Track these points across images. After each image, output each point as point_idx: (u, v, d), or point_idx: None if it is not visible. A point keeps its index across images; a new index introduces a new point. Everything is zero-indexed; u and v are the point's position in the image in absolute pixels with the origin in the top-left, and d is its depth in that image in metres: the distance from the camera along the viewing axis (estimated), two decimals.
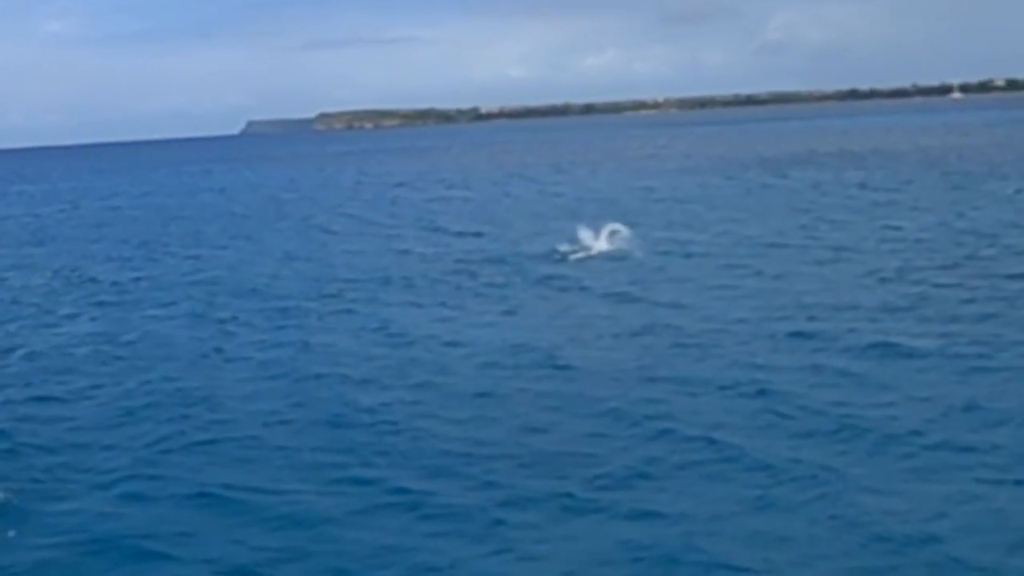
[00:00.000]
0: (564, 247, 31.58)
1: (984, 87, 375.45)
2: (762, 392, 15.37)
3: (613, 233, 31.52)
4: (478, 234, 38.07)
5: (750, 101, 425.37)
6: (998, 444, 12.79)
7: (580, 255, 30.40)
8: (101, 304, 27.29)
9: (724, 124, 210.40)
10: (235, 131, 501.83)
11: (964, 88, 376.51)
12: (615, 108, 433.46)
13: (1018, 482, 11.64)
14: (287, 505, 11.97)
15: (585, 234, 31.73)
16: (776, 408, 14.59)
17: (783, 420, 14.14)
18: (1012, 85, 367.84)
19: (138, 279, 31.78)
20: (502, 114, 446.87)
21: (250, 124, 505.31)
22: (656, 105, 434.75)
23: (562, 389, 16.20)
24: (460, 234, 38.78)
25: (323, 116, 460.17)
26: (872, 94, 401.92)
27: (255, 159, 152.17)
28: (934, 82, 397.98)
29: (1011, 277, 23.39)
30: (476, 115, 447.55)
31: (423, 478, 12.58)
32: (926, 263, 26.11)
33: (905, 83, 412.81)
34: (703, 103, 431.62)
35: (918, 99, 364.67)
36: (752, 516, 11.09)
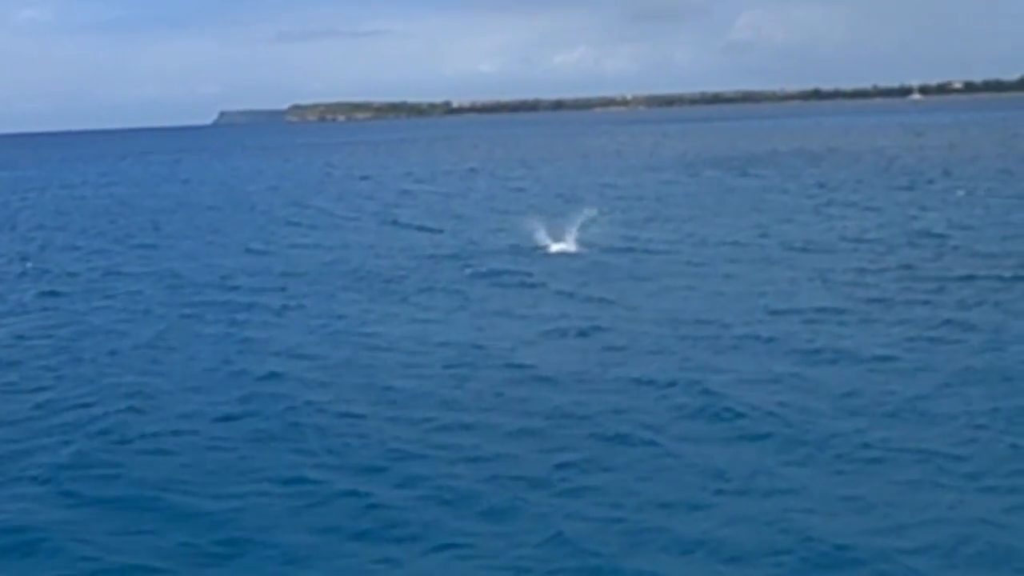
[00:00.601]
0: (520, 244, 31.72)
1: (942, 89, 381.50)
2: (707, 392, 15.43)
3: (570, 231, 31.70)
4: (437, 230, 38.03)
5: (717, 99, 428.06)
6: (941, 447, 12.93)
7: (536, 253, 30.48)
8: (53, 295, 27.07)
9: (690, 122, 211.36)
10: (208, 121, 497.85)
11: (923, 90, 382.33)
12: (584, 104, 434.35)
13: (960, 485, 11.76)
14: (225, 503, 11.93)
15: (542, 232, 31.90)
16: (722, 410, 14.65)
17: (727, 422, 14.21)
18: (969, 87, 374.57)
19: (93, 269, 31.56)
20: (473, 108, 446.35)
21: (223, 115, 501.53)
22: (625, 102, 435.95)
23: (509, 388, 16.23)
24: (420, 229, 38.78)
25: (296, 108, 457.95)
26: (835, 94, 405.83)
27: (225, 150, 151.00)
28: (894, 83, 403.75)
29: (960, 279, 23.69)
30: (448, 109, 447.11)
31: (363, 477, 12.58)
32: (877, 265, 26.39)
33: (867, 84, 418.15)
34: (671, 101, 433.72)
35: (879, 100, 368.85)
36: (690, 519, 11.13)
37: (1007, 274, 24.05)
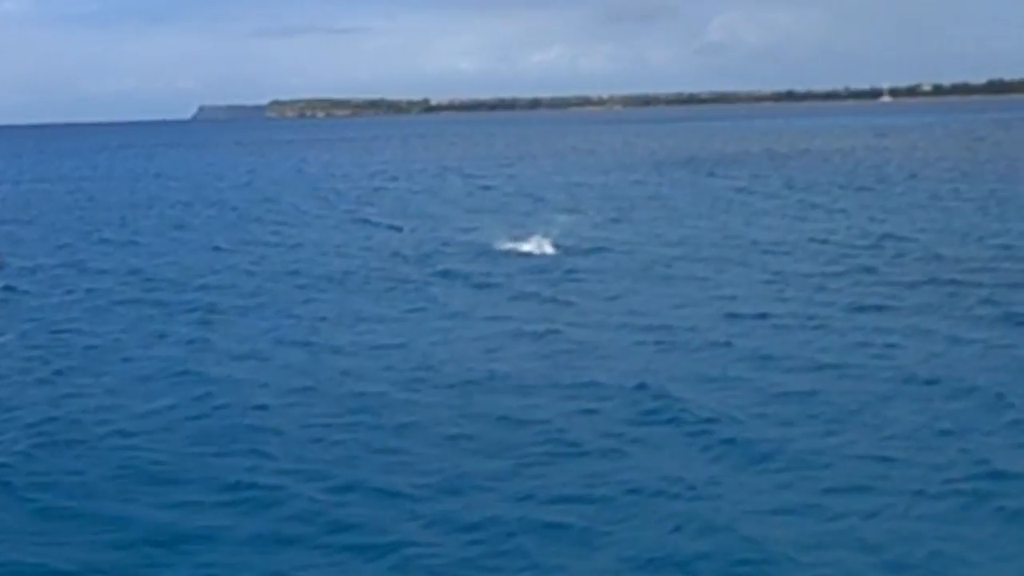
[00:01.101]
0: (487, 244, 31.65)
1: (912, 91, 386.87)
2: (664, 396, 15.36)
3: (536, 231, 31.73)
4: (406, 229, 37.89)
5: (692, 100, 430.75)
6: (895, 452, 12.94)
7: (502, 253, 30.39)
8: (12, 290, 26.75)
9: (664, 122, 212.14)
10: (187, 116, 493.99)
11: (893, 92, 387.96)
12: (561, 103, 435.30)
13: (912, 490, 11.77)
14: (172, 507, 11.80)
15: (509, 232, 31.94)
16: (678, 413, 14.61)
17: (683, 427, 14.16)
18: (938, 90, 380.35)
19: (55, 265, 31.24)
20: (452, 107, 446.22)
21: (202, 110, 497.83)
22: (601, 102, 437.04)
23: (468, 391, 16.15)
24: (389, 228, 38.70)
25: (275, 104, 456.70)
26: (807, 96, 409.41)
27: (201, 145, 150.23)
28: (865, 86, 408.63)
29: (921, 283, 23.84)
30: (427, 107, 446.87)
31: (316, 481, 12.46)
32: (840, 268, 26.50)
33: (839, 86, 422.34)
34: (647, 101, 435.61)
35: (850, 102, 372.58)
36: (645, 523, 11.12)
37: (968, 278, 24.20)
